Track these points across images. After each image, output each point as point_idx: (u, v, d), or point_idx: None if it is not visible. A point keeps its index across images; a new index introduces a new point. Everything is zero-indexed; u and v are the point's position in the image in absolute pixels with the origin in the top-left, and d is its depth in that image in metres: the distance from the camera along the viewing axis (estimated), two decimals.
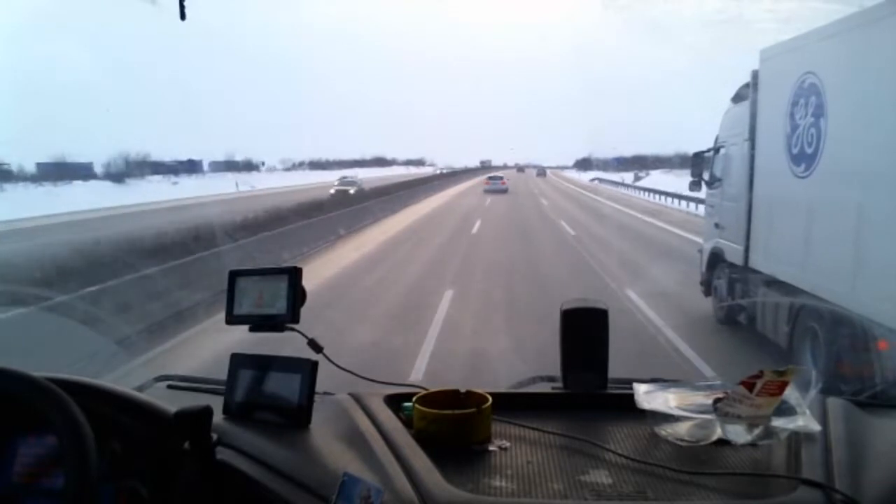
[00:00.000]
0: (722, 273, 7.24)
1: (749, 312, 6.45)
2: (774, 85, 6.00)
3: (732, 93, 7.25)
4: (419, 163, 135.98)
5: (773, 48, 6.12)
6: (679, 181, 25.02)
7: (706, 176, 7.85)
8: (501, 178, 43.51)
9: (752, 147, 6.38)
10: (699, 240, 8.87)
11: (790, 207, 5.57)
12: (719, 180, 7.42)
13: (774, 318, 5.77)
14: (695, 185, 8.18)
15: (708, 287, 7.69)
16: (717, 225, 7.42)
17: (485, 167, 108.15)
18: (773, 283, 5.90)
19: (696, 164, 8.11)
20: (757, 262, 6.25)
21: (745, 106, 6.67)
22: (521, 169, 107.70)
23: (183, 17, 1.43)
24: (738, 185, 6.71)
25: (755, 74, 6.39)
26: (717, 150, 7.60)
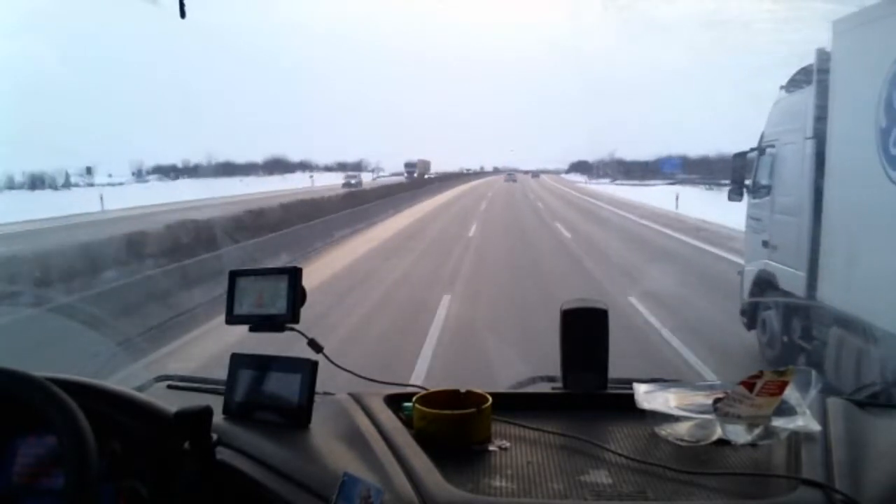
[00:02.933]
0: (772, 302, 5.75)
1: (814, 357, 5.05)
2: (858, 64, 4.59)
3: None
4: (355, 168, 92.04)
5: (857, 16, 4.63)
6: None
7: (749, 182, 6.46)
8: (514, 174, 70.78)
9: (819, 146, 4.97)
10: None
11: (886, 227, 4.14)
12: (766, 187, 6.01)
13: (856, 369, 4.40)
14: (734, 194, 6.68)
15: (752, 319, 6.20)
16: (765, 243, 5.95)
17: (420, 178, 63.10)
18: (853, 323, 4.47)
19: (737, 167, 6.64)
20: (829, 294, 4.79)
21: (805, 94, 5.25)
22: (510, 174, 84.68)
23: (183, 14, 1.42)
24: (797, 194, 5.31)
25: (823, 54, 4.98)
26: (762, 150, 6.18)
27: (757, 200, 6.31)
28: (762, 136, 6.26)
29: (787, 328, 5.50)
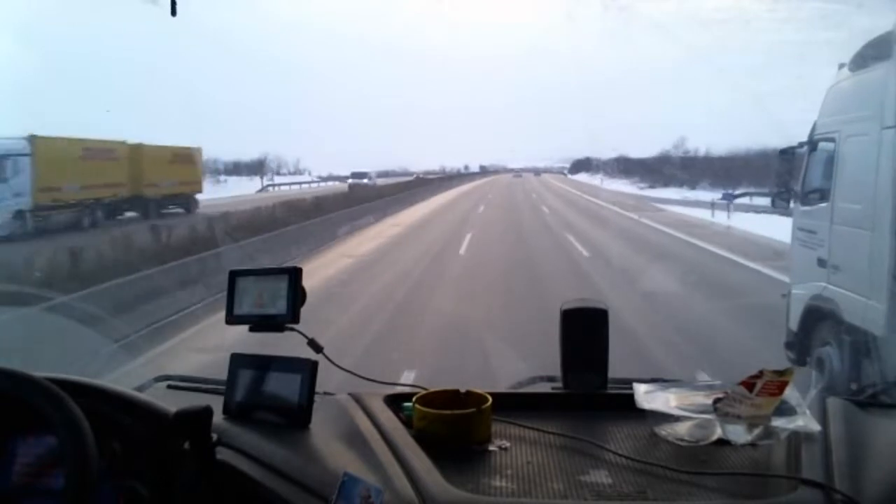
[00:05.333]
0: (833, 337, 4.51)
1: None
2: None
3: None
4: (252, 169, 56.18)
5: None
6: None
7: (798, 185, 5.23)
8: (521, 173, 65.13)
9: None
10: None
11: None
12: (822, 191, 4.81)
13: None
14: (780, 199, 5.43)
15: (801, 354, 4.94)
16: (821, 262, 4.68)
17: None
18: None
19: (784, 166, 5.42)
20: None
21: (882, 72, 4.18)
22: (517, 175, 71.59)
23: (174, 13, 1.41)
24: (869, 200, 4.16)
25: None
26: (814, 144, 5.00)
27: (808, 208, 5.02)
28: (813, 128, 5.03)
29: (855, 372, 4.27)
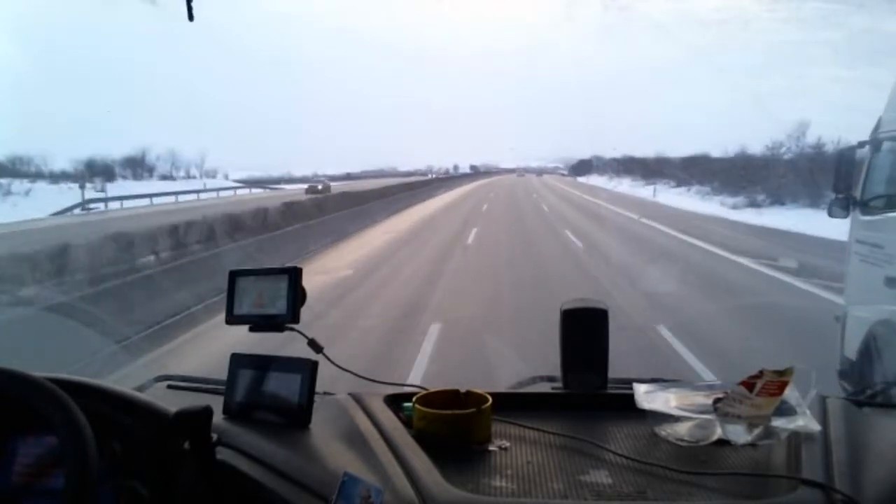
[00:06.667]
0: None
1: None
2: None
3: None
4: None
5: None
6: None
7: (859, 191, 4.54)
8: (524, 172, 64.60)
9: None
10: None
11: None
12: (889, 198, 4.21)
13: None
14: (838, 207, 4.63)
15: (860, 386, 4.01)
16: (890, 281, 3.99)
17: None
18: None
19: (844, 170, 4.66)
20: None
21: None
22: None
23: (191, 17, 1.41)
24: None
25: None
26: (877, 144, 4.43)
27: (872, 217, 4.34)
28: (878, 125, 4.42)
29: None
